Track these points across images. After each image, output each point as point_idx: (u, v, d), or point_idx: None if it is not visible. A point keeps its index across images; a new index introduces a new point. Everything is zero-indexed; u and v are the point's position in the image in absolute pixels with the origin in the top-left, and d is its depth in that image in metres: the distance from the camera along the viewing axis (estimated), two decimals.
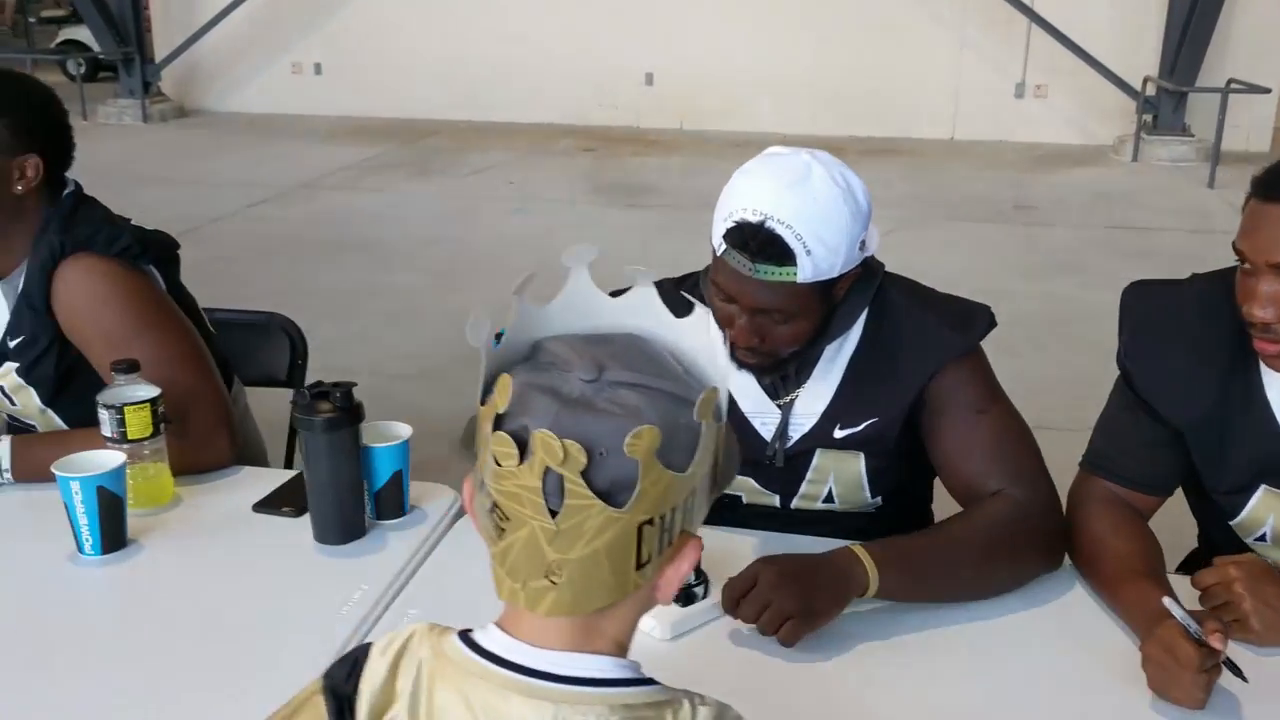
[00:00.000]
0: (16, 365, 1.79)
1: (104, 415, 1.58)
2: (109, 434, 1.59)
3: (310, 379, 1.79)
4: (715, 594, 1.36)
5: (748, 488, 1.63)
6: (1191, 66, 8.93)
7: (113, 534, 1.51)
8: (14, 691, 1.26)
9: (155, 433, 1.61)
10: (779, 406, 1.57)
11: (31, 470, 1.66)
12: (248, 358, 2.24)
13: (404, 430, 1.61)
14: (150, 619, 1.42)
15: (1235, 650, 1.26)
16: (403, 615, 1.39)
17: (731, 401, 0.96)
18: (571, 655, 0.82)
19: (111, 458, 1.52)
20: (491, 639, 0.84)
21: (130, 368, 1.60)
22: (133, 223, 1.84)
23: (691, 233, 6.66)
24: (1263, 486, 1.47)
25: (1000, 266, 6.19)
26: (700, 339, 0.85)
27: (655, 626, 1.33)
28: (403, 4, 10.82)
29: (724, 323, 1.42)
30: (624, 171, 8.76)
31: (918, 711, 1.25)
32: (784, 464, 1.59)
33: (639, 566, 0.80)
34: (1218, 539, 1.57)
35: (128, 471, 1.54)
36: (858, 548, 1.37)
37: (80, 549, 1.51)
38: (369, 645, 0.88)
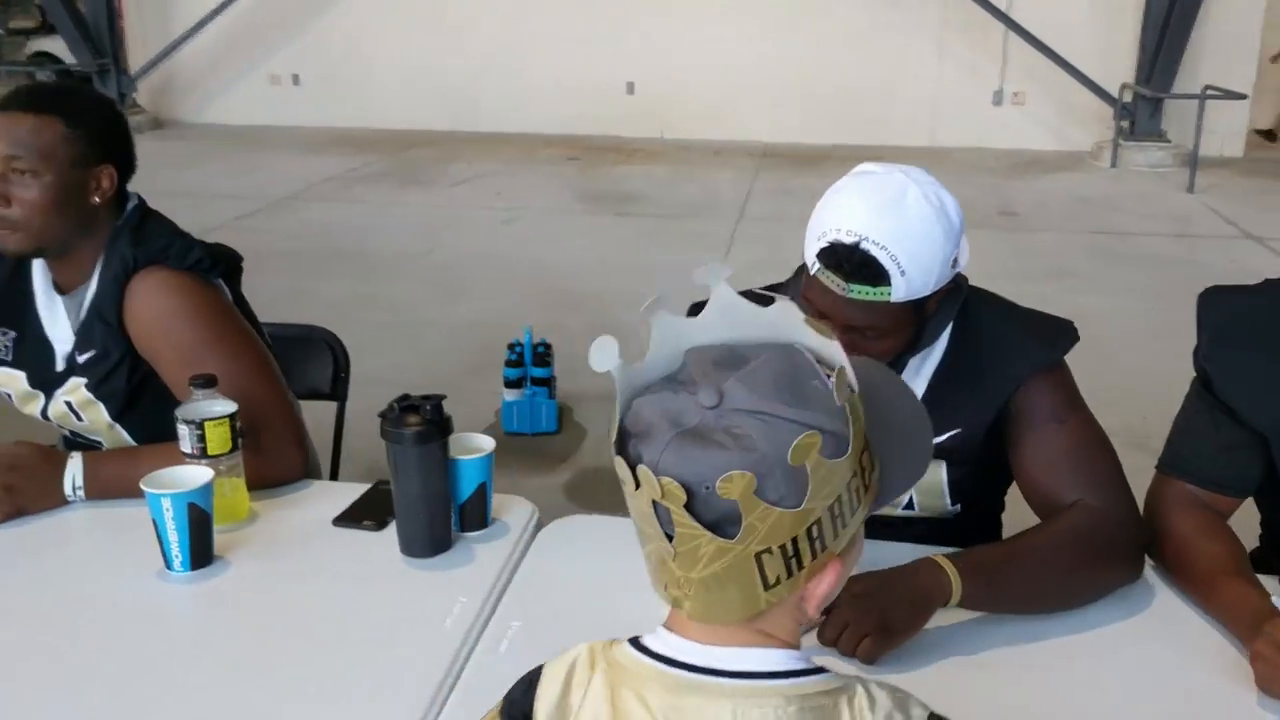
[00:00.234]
0: (85, 380, 1.77)
1: (183, 430, 1.57)
2: (188, 449, 1.57)
3: None
4: None
5: None
6: (1168, 73, 9.05)
7: (201, 550, 1.50)
8: (110, 710, 1.26)
9: (234, 448, 1.60)
10: None
11: (104, 488, 1.65)
12: (290, 371, 2.23)
13: (488, 443, 1.60)
14: (245, 635, 1.41)
15: None
16: (506, 627, 1.38)
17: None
18: (742, 650, 0.83)
19: (200, 474, 1.51)
20: (662, 642, 0.85)
21: (208, 382, 1.59)
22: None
23: (680, 239, 6.80)
24: None
25: (987, 272, 6.14)
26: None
27: None
28: (381, 15, 10.77)
29: None
30: (609, 180, 8.76)
31: None
32: None
33: (767, 588, 0.80)
34: None
35: None
36: (939, 557, 1.37)
37: (169, 565, 1.50)
38: (541, 666, 0.89)
